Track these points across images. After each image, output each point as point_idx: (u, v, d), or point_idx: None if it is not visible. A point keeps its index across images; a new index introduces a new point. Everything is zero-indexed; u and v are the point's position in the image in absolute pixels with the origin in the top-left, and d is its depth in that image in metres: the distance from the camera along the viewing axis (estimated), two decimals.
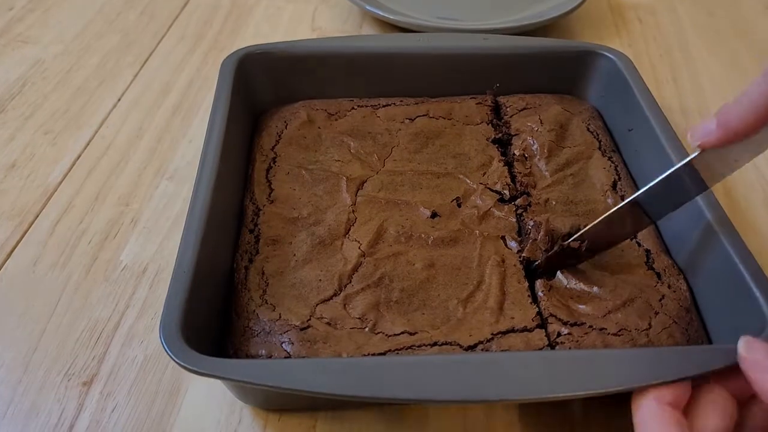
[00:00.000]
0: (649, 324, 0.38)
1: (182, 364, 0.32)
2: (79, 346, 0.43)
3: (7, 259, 0.48)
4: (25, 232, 0.50)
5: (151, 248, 0.49)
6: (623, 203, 0.41)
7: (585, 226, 0.42)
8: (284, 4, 0.79)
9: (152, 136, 0.60)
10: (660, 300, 0.40)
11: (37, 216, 0.52)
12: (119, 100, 0.64)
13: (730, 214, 0.52)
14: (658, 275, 0.42)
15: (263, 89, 0.55)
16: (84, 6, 0.78)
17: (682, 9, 0.79)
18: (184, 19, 0.76)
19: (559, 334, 0.38)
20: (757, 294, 0.36)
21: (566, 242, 0.42)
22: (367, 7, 0.71)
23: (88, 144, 0.58)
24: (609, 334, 0.38)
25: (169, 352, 0.32)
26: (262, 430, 0.38)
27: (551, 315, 0.39)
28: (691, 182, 0.38)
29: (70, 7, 0.77)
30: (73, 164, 0.56)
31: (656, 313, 0.39)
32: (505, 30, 0.67)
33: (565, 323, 0.39)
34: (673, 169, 0.38)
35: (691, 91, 0.65)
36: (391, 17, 0.70)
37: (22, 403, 0.39)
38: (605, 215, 0.41)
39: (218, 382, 0.39)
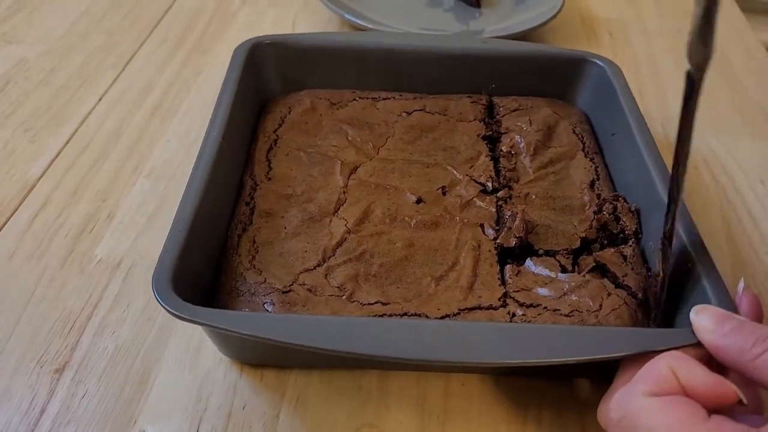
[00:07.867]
0: (600, 305, 0.41)
1: (169, 309, 0.35)
2: (52, 334, 0.44)
3: None
4: (3, 225, 0.52)
5: (125, 243, 0.50)
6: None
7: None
8: (266, 10, 0.81)
9: (131, 135, 0.61)
10: (623, 277, 0.42)
11: (16, 210, 0.53)
12: (100, 99, 0.65)
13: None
14: (624, 258, 0.44)
15: (271, 77, 0.59)
16: (69, 7, 0.79)
17: (650, 24, 0.81)
18: (168, 22, 0.78)
19: (514, 315, 0.41)
20: (708, 289, 0.38)
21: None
22: (346, 16, 0.73)
23: (67, 141, 0.60)
24: (561, 314, 0.41)
25: (157, 297, 0.35)
26: (226, 417, 0.40)
27: (509, 297, 0.42)
28: None
29: (56, 9, 0.79)
30: (53, 161, 0.58)
31: (608, 295, 0.41)
32: None
33: (521, 304, 0.42)
34: None
35: (656, 104, 0.67)
36: (370, 26, 0.71)
37: None
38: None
39: (186, 372, 0.42)
